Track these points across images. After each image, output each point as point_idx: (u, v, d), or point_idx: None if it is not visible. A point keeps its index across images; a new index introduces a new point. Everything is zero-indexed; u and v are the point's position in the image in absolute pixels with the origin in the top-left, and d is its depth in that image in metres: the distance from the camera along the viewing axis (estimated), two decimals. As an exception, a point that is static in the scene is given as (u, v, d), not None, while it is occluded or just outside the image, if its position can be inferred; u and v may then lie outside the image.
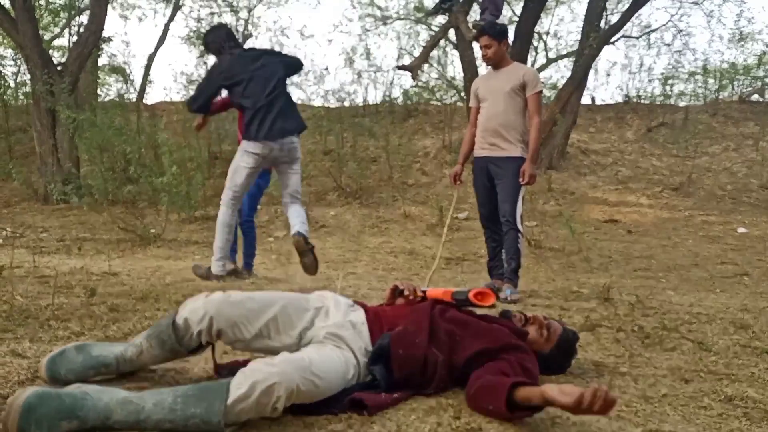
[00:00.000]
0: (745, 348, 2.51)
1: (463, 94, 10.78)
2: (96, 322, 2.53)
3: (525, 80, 3.67)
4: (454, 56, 12.72)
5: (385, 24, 14.60)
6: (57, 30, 14.28)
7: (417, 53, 13.00)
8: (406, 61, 12.93)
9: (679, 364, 2.26)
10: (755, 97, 12.22)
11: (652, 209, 8.30)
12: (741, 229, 7.24)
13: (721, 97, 12.28)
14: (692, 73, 12.90)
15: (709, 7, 19.74)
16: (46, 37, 13.10)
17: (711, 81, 12.70)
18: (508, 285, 3.51)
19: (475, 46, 7.79)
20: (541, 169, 9.06)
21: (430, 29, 14.45)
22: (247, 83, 3.70)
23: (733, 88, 12.54)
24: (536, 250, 6.07)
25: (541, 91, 3.73)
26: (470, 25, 5.07)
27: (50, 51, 12.47)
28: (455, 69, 13.77)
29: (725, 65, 12.98)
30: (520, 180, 3.61)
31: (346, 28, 37.41)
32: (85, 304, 2.78)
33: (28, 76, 9.52)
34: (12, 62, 12.79)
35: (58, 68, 8.78)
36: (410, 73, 6.35)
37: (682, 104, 12.11)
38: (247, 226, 4.44)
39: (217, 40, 3.93)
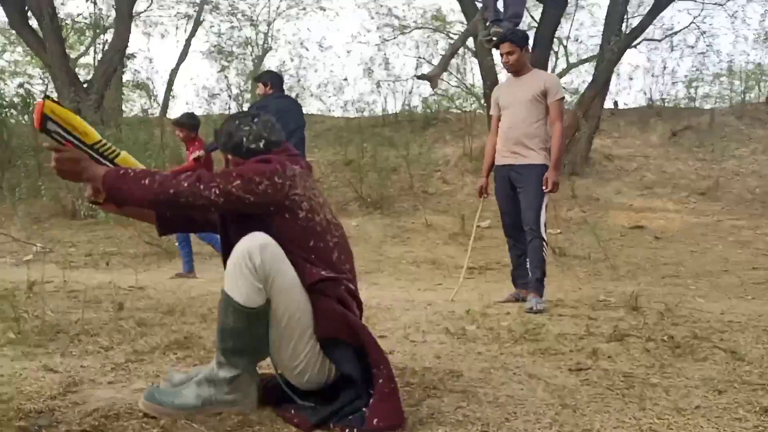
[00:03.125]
0: (781, 357, 2.44)
1: (483, 101, 10.75)
2: (124, 336, 2.57)
3: (546, 87, 3.64)
4: (473, 63, 12.71)
5: (403, 33, 14.69)
6: (83, 48, 14.68)
7: (436, 61, 13.03)
8: (425, 69, 12.96)
9: (711, 375, 2.20)
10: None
11: (679, 214, 8.15)
12: (772, 234, 7.06)
13: (747, 99, 12.03)
14: (717, 75, 12.69)
15: (732, 7, 19.40)
16: (72, 55, 13.45)
17: (737, 83, 12.47)
18: (534, 295, 3.46)
19: (495, 52, 7.77)
20: (564, 175, 8.96)
21: (449, 37, 14.47)
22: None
23: (759, 90, 12.29)
24: (561, 258, 6.00)
25: (563, 98, 3.69)
26: (491, 32, 5.03)
27: (76, 69, 12.80)
28: (474, 76, 13.74)
29: (751, 66, 12.74)
30: (543, 188, 3.57)
31: (365, 39, 37.56)
32: (114, 319, 2.82)
33: (56, 94, 9.77)
34: (40, 80, 13.16)
35: (84, 86, 9.00)
36: (429, 83, 6.36)
37: (707, 107, 11.90)
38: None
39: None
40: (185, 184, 1.63)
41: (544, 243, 3.59)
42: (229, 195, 1.64)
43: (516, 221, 3.74)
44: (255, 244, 1.60)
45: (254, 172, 1.68)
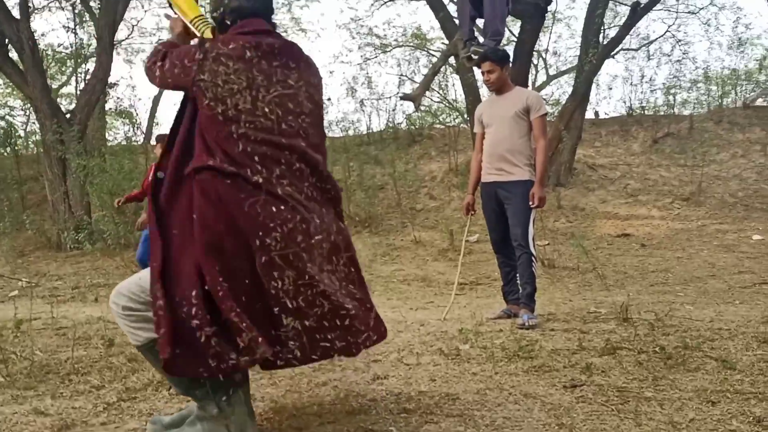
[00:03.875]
0: (771, 364, 2.47)
1: (466, 116, 10.84)
2: (115, 374, 2.54)
3: (528, 104, 3.69)
4: (455, 79, 12.85)
5: (384, 52, 14.81)
6: (64, 78, 14.61)
7: (418, 78, 13.16)
8: (408, 86, 13.08)
9: (704, 385, 2.22)
10: (759, 101, 12.19)
11: (664, 221, 8.24)
12: (756, 236, 7.16)
13: (724, 103, 12.26)
14: (694, 82, 12.92)
15: (705, 15, 19.82)
16: (54, 85, 13.39)
17: (713, 88, 12.70)
18: (525, 310, 3.48)
19: (476, 69, 7.86)
20: (549, 186, 9.04)
21: (430, 54, 14.63)
22: None
23: (736, 94, 12.53)
24: (550, 270, 6.03)
25: (545, 114, 3.74)
26: (470, 50, 5.10)
27: (58, 99, 12.75)
28: (456, 91, 13.91)
29: (726, 72, 13.00)
30: (530, 204, 3.61)
31: (347, 58, 37.94)
32: (104, 356, 2.79)
33: (38, 126, 9.71)
34: (21, 112, 13.07)
35: (67, 116, 8.95)
36: (413, 103, 6.40)
37: (686, 113, 12.10)
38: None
39: None
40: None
41: (533, 258, 3.62)
42: (150, 72, 1.76)
43: (504, 237, 3.77)
44: (113, 294, 1.67)
45: (176, 54, 1.72)
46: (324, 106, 1.90)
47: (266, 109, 1.65)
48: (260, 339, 1.51)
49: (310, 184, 1.71)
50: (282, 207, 1.61)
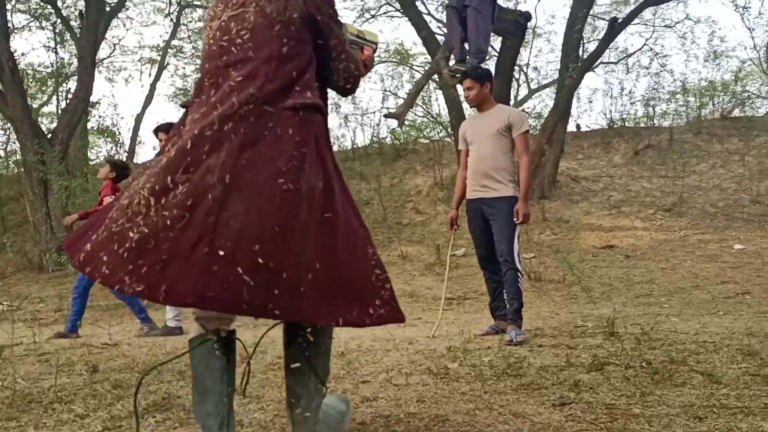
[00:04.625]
0: (755, 377, 2.49)
1: (450, 130, 10.93)
2: (100, 402, 2.50)
3: (510, 121, 3.73)
4: (438, 94, 12.97)
5: (368, 68, 14.90)
6: (44, 97, 14.52)
7: (401, 93, 13.26)
8: (392, 102, 13.17)
9: (690, 400, 2.24)
10: (736, 112, 12.45)
11: (648, 231, 8.34)
12: (737, 246, 7.27)
13: (702, 114, 12.50)
14: (672, 93, 13.19)
15: (682, 29, 20.26)
16: (34, 104, 13.29)
17: (691, 99, 12.97)
18: (513, 326, 3.49)
19: (459, 86, 7.95)
20: (533, 199, 9.13)
21: (413, 70, 14.74)
22: None
23: (713, 105, 12.80)
24: (537, 284, 6.07)
25: (527, 131, 3.78)
26: (452, 67, 5.16)
27: (39, 118, 12.64)
28: (440, 106, 14.01)
29: (704, 83, 13.29)
30: (515, 219, 3.63)
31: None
32: (88, 383, 2.74)
33: (18, 146, 9.61)
34: (1, 132, 12.95)
35: (48, 136, 8.87)
36: (397, 120, 6.47)
37: (665, 124, 12.32)
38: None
39: None
40: None
41: (520, 274, 3.64)
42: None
43: (490, 253, 3.79)
44: None
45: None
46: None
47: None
48: None
49: None
50: None
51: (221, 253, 1.40)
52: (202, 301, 1.41)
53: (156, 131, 4.94)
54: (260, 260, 1.41)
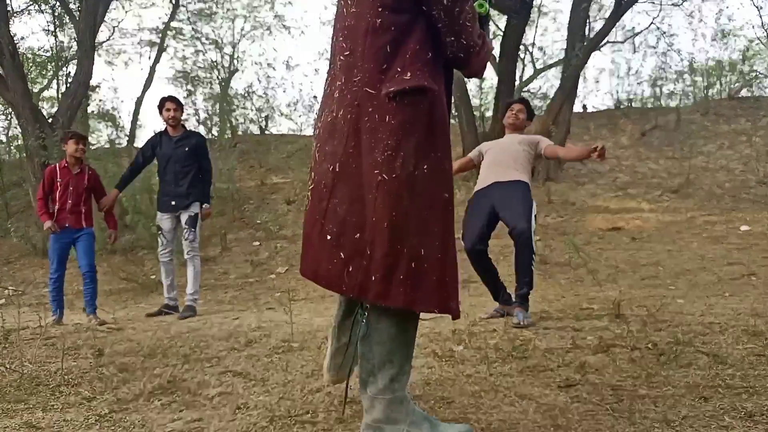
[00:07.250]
0: (760, 357, 2.48)
1: (453, 110, 10.84)
2: (106, 385, 2.51)
3: (537, 140, 3.91)
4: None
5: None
6: (45, 81, 14.46)
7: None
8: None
9: (696, 381, 2.23)
10: (744, 92, 12.32)
11: (654, 213, 8.29)
12: (743, 227, 7.22)
13: (710, 94, 12.37)
14: (680, 73, 13.04)
15: (689, 7, 19.95)
16: (35, 88, 13.24)
17: (699, 79, 12.83)
18: (520, 309, 3.46)
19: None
20: (538, 182, 9.08)
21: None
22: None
23: (720, 85, 12.65)
24: (543, 266, 6.05)
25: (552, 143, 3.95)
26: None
27: (39, 102, 12.59)
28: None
29: (711, 63, 13.12)
30: (594, 155, 3.62)
31: (332, 56, 37.73)
32: (94, 366, 2.75)
33: (20, 131, 9.59)
34: (2, 117, 12.92)
35: (49, 120, 8.84)
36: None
37: (672, 105, 12.19)
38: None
39: None
40: None
41: (534, 256, 3.58)
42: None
43: (484, 244, 3.72)
44: None
45: None
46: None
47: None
48: None
49: None
50: None
51: (329, 237, 1.55)
52: (315, 278, 1.60)
53: (160, 105, 4.90)
54: (360, 247, 1.52)
